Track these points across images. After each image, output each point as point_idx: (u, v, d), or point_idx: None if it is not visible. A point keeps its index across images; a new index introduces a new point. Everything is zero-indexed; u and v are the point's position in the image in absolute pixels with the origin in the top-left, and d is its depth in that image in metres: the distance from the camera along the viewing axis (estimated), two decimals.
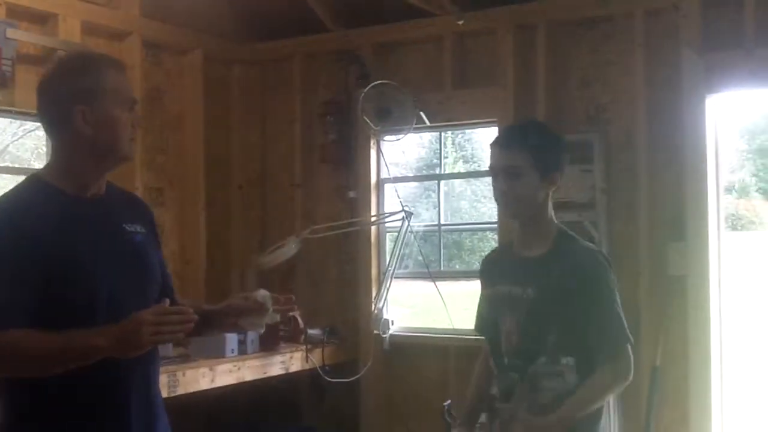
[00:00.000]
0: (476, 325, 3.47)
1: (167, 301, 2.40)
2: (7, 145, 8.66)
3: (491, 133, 6.13)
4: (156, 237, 2.74)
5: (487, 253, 3.56)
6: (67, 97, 2.47)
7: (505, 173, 3.05)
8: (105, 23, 5.78)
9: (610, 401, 5.27)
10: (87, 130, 2.47)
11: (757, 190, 12.96)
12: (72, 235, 2.44)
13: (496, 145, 3.10)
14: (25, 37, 5.26)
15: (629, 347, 3.18)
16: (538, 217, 3.13)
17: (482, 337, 3.43)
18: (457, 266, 7.20)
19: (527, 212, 3.13)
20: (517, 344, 3.10)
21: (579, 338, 3.05)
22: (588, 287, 3.06)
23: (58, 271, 2.38)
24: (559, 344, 3.04)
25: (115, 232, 2.55)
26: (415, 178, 7.01)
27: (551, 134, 3.29)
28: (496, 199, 3.17)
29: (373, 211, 6.44)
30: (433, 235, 6.58)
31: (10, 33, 5.04)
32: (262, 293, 2.70)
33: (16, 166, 8.10)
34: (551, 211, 3.20)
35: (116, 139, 2.51)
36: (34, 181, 2.56)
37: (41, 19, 5.43)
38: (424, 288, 6.46)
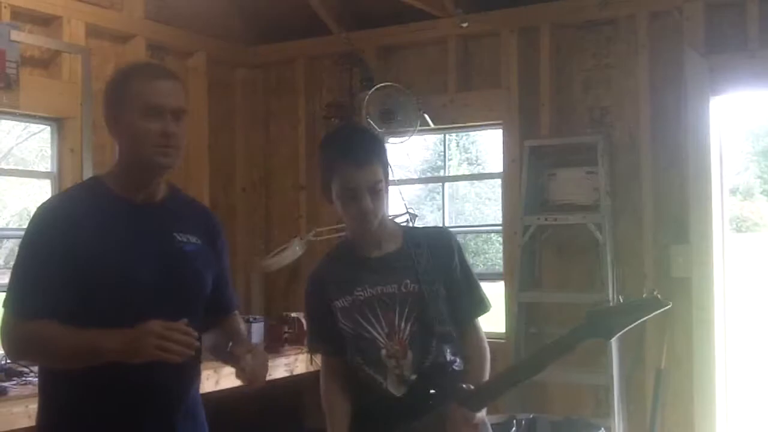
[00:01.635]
0: (318, 348, 3.15)
1: (185, 320, 2.36)
2: (12, 148, 8.67)
3: (496, 135, 6.14)
4: (216, 252, 2.68)
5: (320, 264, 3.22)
6: (106, 104, 2.54)
7: (370, 191, 2.84)
8: (109, 26, 5.79)
9: (615, 404, 5.29)
10: (116, 137, 2.53)
11: (761, 192, 12.95)
12: (109, 235, 2.45)
13: (352, 164, 2.84)
14: (29, 39, 5.27)
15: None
16: (386, 219, 3.03)
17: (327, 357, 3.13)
18: None
19: (382, 221, 2.97)
20: (408, 341, 2.92)
21: (455, 311, 3.00)
22: (459, 256, 3.04)
23: (87, 269, 2.40)
24: (445, 328, 2.95)
25: (161, 239, 2.53)
26: (419, 180, 7.02)
27: (378, 137, 3.28)
28: (356, 219, 2.91)
29: None
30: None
31: (15, 35, 5.04)
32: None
33: (21, 168, 8.12)
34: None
35: (137, 149, 2.48)
36: (92, 180, 2.68)
37: (45, 22, 5.44)
38: None
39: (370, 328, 2.94)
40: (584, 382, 5.59)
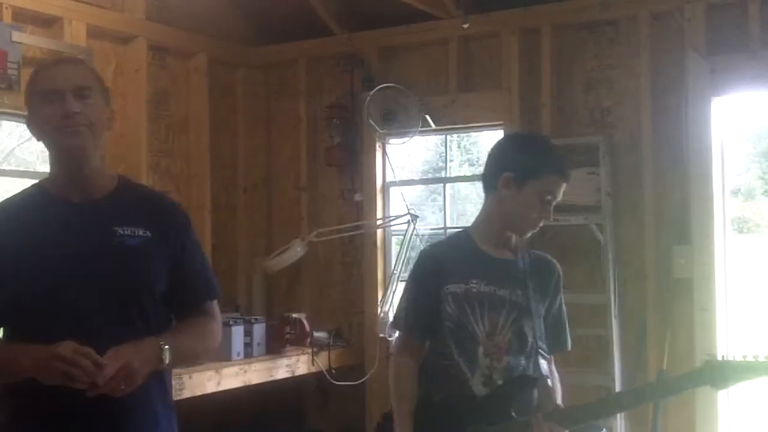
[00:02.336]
0: (412, 326, 3.09)
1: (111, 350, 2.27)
2: (13, 149, 8.67)
3: (496, 136, 6.13)
4: (172, 243, 2.56)
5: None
6: (26, 106, 2.53)
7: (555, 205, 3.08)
8: (110, 26, 5.79)
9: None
10: (36, 136, 2.50)
11: (763, 193, 12.93)
12: (43, 238, 2.42)
13: (564, 179, 3.06)
14: (30, 40, 5.27)
15: None
16: None
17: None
18: None
19: None
20: (507, 347, 3.00)
21: (546, 336, 3.10)
22: (561, 292, 3.21)
23: (20, 275, 2.38)
24: (543, 345, 3.06)
25: (100, 235, 2.45)
26: (420, 181, 7.01)
27: None
28: (529, 223, 3.09)
29: (379, 215, 6.44)
30: (439, 238, 6.56)
31: (16, 36, 5.05)
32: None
33: (22, 169, 8.11)
34: None
35: (46, 138, 2.46)
36: (33, 186, 2.61)
37: (47, 23, 5.45)
38: None
39: (474, 322, 2.99)
40: (586, 382, 5.58)
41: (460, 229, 3.23)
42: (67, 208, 2.48)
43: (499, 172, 3.04)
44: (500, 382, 2.97)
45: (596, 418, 3.09)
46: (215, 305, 2.72)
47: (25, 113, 2.55)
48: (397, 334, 3.25)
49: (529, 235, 3.09)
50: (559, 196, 3.03)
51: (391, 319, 3.25)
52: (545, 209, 3.03)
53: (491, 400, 2.94)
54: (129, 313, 2.40)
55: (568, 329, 3.23)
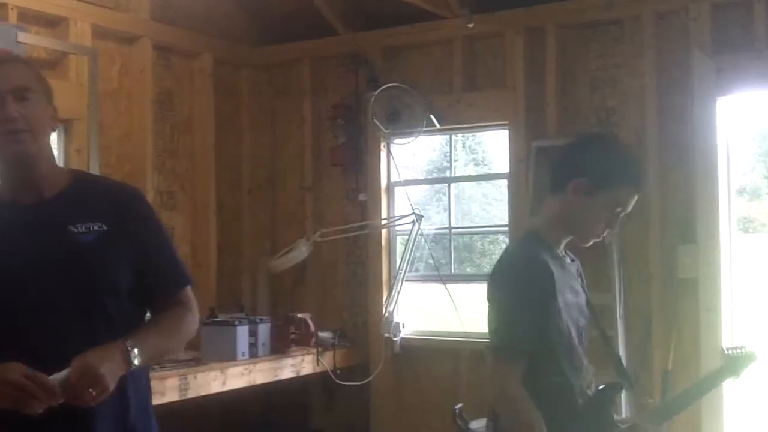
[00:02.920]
0: (528, 341, 2.71)
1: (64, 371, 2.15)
2: None
3: (502, 135, 6.13)
4: (131, 233, 2.44)
5: (533, 256, 2.83)
6: None
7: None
8: (115, 27, 5.80)
9: (622, 405, 5.27)
10: None
11: None
12: None
13: (638, 191, 2.88)
14: (35, 41, 5.28)
15: None
16: None
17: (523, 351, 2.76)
18: (468, 269, 7.17)
19: None
20: (587, 355, 2.94)
21: None
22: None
23: None
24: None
25: (53, 235, 2.36)
26: (425, 181, 7.00)
27: None
28: (598, 237, 2.92)
29: (384, 214, 6.44)
30: (444, 238, 6.57)
31: (21, 37, 5.05)
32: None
33: None
34: None
35: None
36: None
37: (52, 23, 5.45)
38: (434, 291, 6.45)
39: (575, 335, 2.85)
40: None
41: (529, 232, 2.92)
42: (18, 211, 2.40)
43: (570, 176, 2.81)
44: (589, 392, 2.87)
45: (678, 412, 3.07)
46: (189, 292, 2.59)
47: None
48: (496, 358, 2.84)
49: (590, 244, 2.90)
50: (630, 209, 2.87)
51: (496, 341, 2.85)
52: (614, 221, 2.85)
53: (592, 410, 2.86)
54: (90, 313, 2.30)
55: None
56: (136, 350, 2.28)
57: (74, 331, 2.27)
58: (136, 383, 2.44)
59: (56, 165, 2.53)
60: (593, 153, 2.89)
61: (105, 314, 2.30)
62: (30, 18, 5.28)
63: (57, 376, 2.15)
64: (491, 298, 2.85)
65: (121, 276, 2.40)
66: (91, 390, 2.16)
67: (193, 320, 2.58)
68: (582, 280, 2.99)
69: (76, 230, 2.37)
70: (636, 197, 2.85)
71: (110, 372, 2.20)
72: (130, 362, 2.27)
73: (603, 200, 2.80)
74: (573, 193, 2.80)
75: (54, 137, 5.46)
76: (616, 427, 2.89)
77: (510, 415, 2.77)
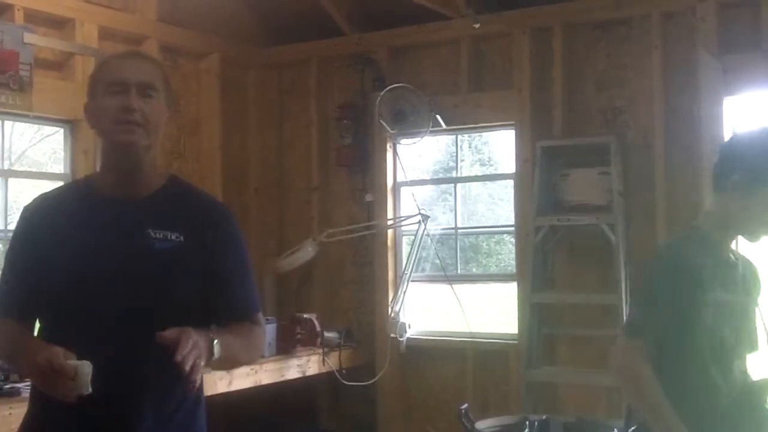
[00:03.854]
0: (657, 333, 2.72)
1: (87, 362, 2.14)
2: (25, 150, 8.70)
3: (508, 135, 6.14)
4: (208, 248, 2.44)
5: (684, 251, 2.80)
6: (87, 96, 2.48)
7: None
8: (122, 28, 5.81)
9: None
10: (90, 123, 2.45)
11: None
12: (77, 234, 2.38)
13: None
14: (42, 42, 5.28)
15: None
16: None
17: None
18: (474, 269, 7.19)
19: None
20: (743, 355, 2.86)
21: None
22: (759, 291, 2.93)
23: (51, 269, 2.36)
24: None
25: (132, 236, 2.38)
26: (431, 181, 7.01)
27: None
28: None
29: (390, 215, 6.45)
30: (450, 238, 6.58)
31: (28, 38, 5.06)
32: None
33: (34, 170, 8.15)
34: None
35: (102, 128, 2.40)
36: (82, 179, 2.60)
37: (59, 24, 5.46)
38: (440, 291, 6.46)
39: (728, 333, 2.78)
40: (597, 382, 5.58)
41: (694, 227, 2.86)
42: (106, 204, 2.43)
43: (728, 173, 2.76)
44: (733, 394, 2.77)
45: None
46: (260, 316, 2.59)
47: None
48: (624, 339, 2.82)
49: (761, 240, 2.82)
50: None
51: (627, 319, 2.82)
52: None
53: (742, 409, 2.78)
54: (145, 318, 2.30)
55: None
56: (217, 342, 2.28)
57: (126, 331, 2.29)
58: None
59: (156, 167, 2.54)
60: (749, 148, 2.82)
61: (161, 321, 2.25)
62: (37, 19, 5.29)
63: (85, 365, 2.14)
64: (638, 286, 2.90)
65: (182, 289, 2.40)
66: (193, 353, 2.15)
67: (263, 339, 2.61)
68: (751, 282, 2.91)
69: (154, 235, 2.39)
70: None
71: (203, 348, 2.22)
72: (212, 352, 2.26)
73: (763, 197, 2.72)
74: (732, 190, 2.75)
75: (60, 138, 5.51)
76: None
77: (635, 394, 2.77)
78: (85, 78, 5.43)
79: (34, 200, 2.53)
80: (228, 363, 2.56)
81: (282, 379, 5.68)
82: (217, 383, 5.18)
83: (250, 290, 2.57)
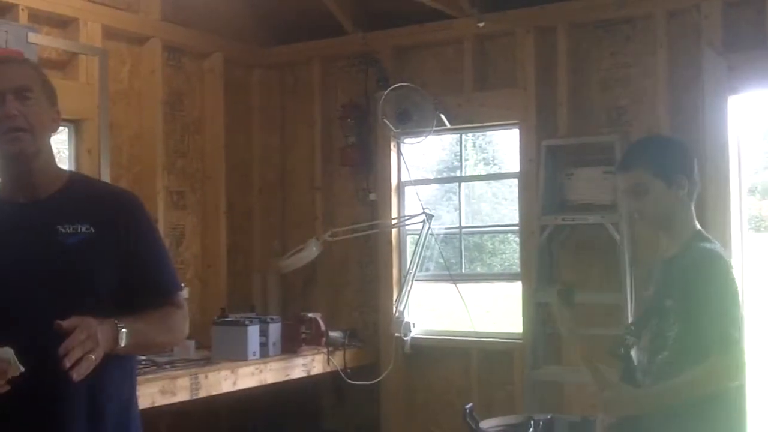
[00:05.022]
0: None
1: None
2: None
3: (512, 135, 6.13)
4: (119, 237, 2.46)
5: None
6: None
7: (631, 193, 3.07)
8: (126, 27, 5.81)
9: None
10: None
11: None
12: None
13: (617, 170, 3.19)
14: (46, 41, 5.28)
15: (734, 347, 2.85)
16: (674, 222, 3.08)
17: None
18: (479, 269, 7.16)
19: (663, 222, 3.10)
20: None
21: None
22: (697, 285, 2.91)
23: None
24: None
25: (41, 234, 2.40)
26: (435, 181, 6.99)
27: (668, 142, 3.52)
28: (631, 218, 3.19)
29: (394, 214, 6.44)
30: (454, 237, 6.56)
31: (32, 38, 5.06)
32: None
33: None
34: (688, 214, 3.09)
35: None
36: None
37: (63, 24, 5.46)
38: (445, 290, 6.45)
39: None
40: None
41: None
42: (12, 209, 2.45)
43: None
44: None
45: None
46: (180, 297, 2.61)
47: None
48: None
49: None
50: (621, 190, 3.21)
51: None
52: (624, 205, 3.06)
53: None
54: (70, 312, 2.25)
55: None
56: (124, 331, 2.29)
57: (49, 327, 2.22)
58: (118, 371, 2.44)
59: (56, 166, 2.57)
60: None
61: (82, 312, 2.24)
62: (40, 18, 5.29)
63: (8, 350, 2.16)
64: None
65: (103, 278, 2.43)
66: (84, 345, 2.15)
67: (183, 320, 2.59)
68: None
69: (63, 230, 2.41)
70: (618, 177, 3.17)
71: (103, 338, 2.21)
72: (117, 341, 2.28)
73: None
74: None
75: (65, 138, 5.51)
76: None
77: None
78: (89, 77, 5.47)
79: None
80: (140, 348, 2.55)
81: (287, 378, 5.68)
82: (222, 383, 5.18)
83: (167, 272, 2.60)
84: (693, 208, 3.09)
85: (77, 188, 2.53)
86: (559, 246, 5.82)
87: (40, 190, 2.46)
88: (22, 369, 2.16)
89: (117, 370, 2.43)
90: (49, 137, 2.50)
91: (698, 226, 3.10)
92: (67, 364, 2.12)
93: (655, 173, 3.00)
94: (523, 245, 5.97)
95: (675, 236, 3.08)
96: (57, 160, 2.59)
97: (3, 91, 2.36)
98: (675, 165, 3.05)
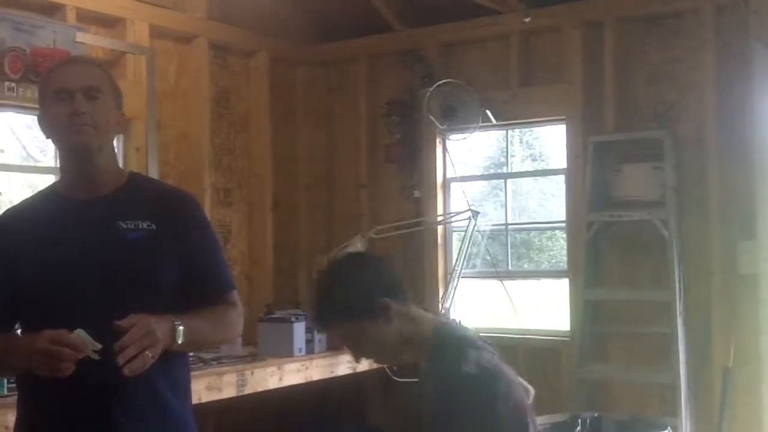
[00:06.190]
0: None
1: (79, 331, 2.22)
2: None
3: (559, 131, 6.09)
4: (178, 234, 2.52)
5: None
6: (39, 104, 2.55)
7: (348, 344, 2.58)
8: (172, 26, 5.85)
9: (682, 403, 5.20)
10: (45, 133, 2.53)
11: None
12: (47, 238, 2.44)
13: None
14: (94, 41, 5.34)
15: None
16: (408, 345, 2.55)
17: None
18: (526, 266, 7.13)
19: (398, 355, 2.61)
20: None
21: None
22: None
23: (23, 274, 2.42)
24: None
25: (102, 230, 2.45)
26: (481, 177, 6.96)
27: (343, 276, 2.61)
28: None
29: (440, 211, 6.43)
30: (501, 234, 6.53)
31: (80, 37, 5.12)
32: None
33: None
34: (416, 326, 2.56)
35: (54, 136, 2.49)
36: (48, 187, 2.67)
37: (110, 23, 5.52)
38: (491, 288, 6.42)
39: None
40: (650, 380, 5.52)
41: None
42: (73, 205, 2.50)
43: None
44: None
45: None
46: (235, 296, 2.65)
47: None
48: None
49: None
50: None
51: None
52: None
53: None
54: (129, 308, 2.31)
55: None
56: (181, 329, 2.35)
57: (108, 322, 2.28)
58: (174, 368, 2.49)
59: (117, 166, 2.65)
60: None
61: (141, 308, 2.30)
62: (88, 18, 5.35)
63: (81, 332, 2.22)
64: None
65: (164, 274, 2.48)
66: (140, 343, 2.20)
67: (237, 319, 2.63)
68: None
69: (124, 226, 2.47)
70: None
71: (160, 336, 2.27)
72: (174, 338, 2.33)
73: None
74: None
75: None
76: None
77: None
78: (137, 76, 5.52)
79: (2, 215, 2.65)
80: (196, 345, 2.62)
81: (332, 375, 5.69)
82: (268, 379, 5.21)
83: (223, 270, 2.66)
84: (415, 310, 2.56)
85: (136, 187, 2.59)
86: (607, 243, 5.77)
87: (101, 187, 2.52)
88: (99, 346, 2.21)
89: (173, 367, 2.48)
90: (113, 137, 2.59)
91: (438, 330, 2.53)
92: (121, 360, 2.17)
93: (351, 318, 2.49)
94: (571, 242, 5.93)
95: (419, 355, 2.56)
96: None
97: (72, 90, 2.43)
98: (364, 296, 2.49)
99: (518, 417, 2.40)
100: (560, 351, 5.87)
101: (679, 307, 5.35)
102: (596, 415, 5.14)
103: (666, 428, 5.03)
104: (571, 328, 5.77)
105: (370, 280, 2.54)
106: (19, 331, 2.55)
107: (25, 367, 2.31)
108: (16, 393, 2.58)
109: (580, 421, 5.03)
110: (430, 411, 2.30)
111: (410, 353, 2.55)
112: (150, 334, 2.23)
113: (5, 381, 3.82)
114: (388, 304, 2.48)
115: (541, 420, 5.04)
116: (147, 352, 2.21)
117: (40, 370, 2.24)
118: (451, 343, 2.44)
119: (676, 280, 5.35)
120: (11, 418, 2.96)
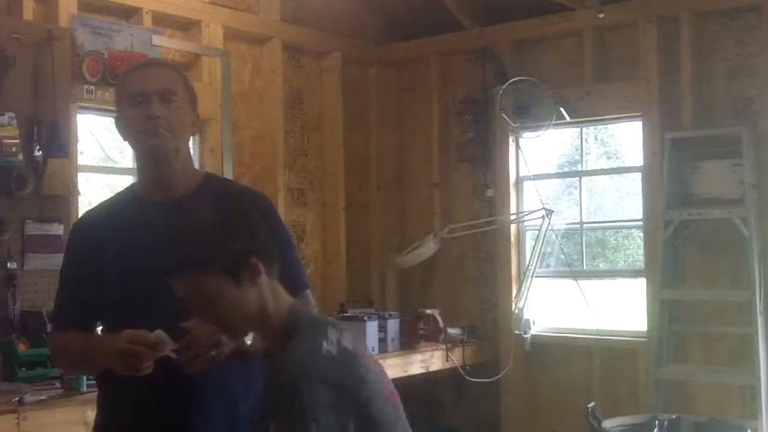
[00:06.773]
0: None
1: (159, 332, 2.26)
2: None
3: (635, 127, 6.00)
4: None
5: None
6: (116, 107, 2.59)
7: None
8: (246, 28, 5.91)
9: (763, 404, 5.09)
10: (121, 135, 2.57)
11: None
12: (128, 240, 2.47)
13: None
14: (169, 44, 5.42)
15: None
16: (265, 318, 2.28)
17: None
18: (601, 265, 7.02)
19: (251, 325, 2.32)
20: None
21: None
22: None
23: (105, 275, 2.47)
24: None
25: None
26: (555, 175, 6.88)
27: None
28: None
29: (513, 209, 6.38)
30: (576, 232, 6.45)
31: (156, 40, 5.20)
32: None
33: None
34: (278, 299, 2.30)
35: (131, 138, 2.53)
36: (126, 188, 2.71)
37: (185, 26, 5.59)
38: (566, 287, 6.35)
39: None
40: (730, 381, 5.41)
41: None
42: (149, 207, 2.53)
43: None
44: None
45: None
46: (309, 295, 2.63)
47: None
48: None
49: None
50: None
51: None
52: None
53: None
54: None
55: None
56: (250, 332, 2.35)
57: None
58: (243, 371, 2.48)
59: (193, 167, 2.69)
60: None
61: None
62: (164, 21, 5.43)
63: (160, 332, 2.27)
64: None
65: None
66: (203, 344, 2.25)
67: None
68: None
69: None
70: None
71: (225, 342, 2.30)
72: (243, 341, 2.36)
73: None
74: None
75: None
76: None
77: None
78: (212, 78, 5.58)
79: (82, 216, 2.73)
80: None
81: (405, 374, 5.68)
82: None
83: (298, 270, 2.66)
84: (279, 287, 2.26)
85: (213, 188, 2.62)
86: (685, 241, 5.67)
87: (177, 189, 2.54)
88: (177, 345, 2.27)
89: (247, 368, 2.47)
90: (188, 139, 2.62)
91: (296, 310, 2.27)
92: (184, 360, 2.24)
93: (215, 269, 2.17)
94: (648, 241, 5.84)
95: (269, 334, 2.26)
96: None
97: (149, 93, 2.48)
98: (239, 250, 2.18)
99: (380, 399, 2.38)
100: (637, 351, 5.79)
101: (759, 307, 5.23)
102: (674, 416, 5.06)
103: (746, 431, 4.92)
104: (648, 328, 5.68)
105: (249, 237, 2.23)
106: (99, 331, 2.60)
107: (105, 365, 2.37)
108: (96, 390, 2.64)
109: (657, 422, 4.96)
110: (286, 390, 2.05)
111: (260, 330, 2.26)
112: (214, 335, 2.26)
113: (84, 378, 3.92)
114: (259, 267, 2.20)
115: (617, 421, 4.99)
116: (211, 353, 2.25)
117: (120, 369, 2.29)
118: (311, 323, 2.25)
119: (757, 279, 5.23)
120: (90, 414, 3.02)
